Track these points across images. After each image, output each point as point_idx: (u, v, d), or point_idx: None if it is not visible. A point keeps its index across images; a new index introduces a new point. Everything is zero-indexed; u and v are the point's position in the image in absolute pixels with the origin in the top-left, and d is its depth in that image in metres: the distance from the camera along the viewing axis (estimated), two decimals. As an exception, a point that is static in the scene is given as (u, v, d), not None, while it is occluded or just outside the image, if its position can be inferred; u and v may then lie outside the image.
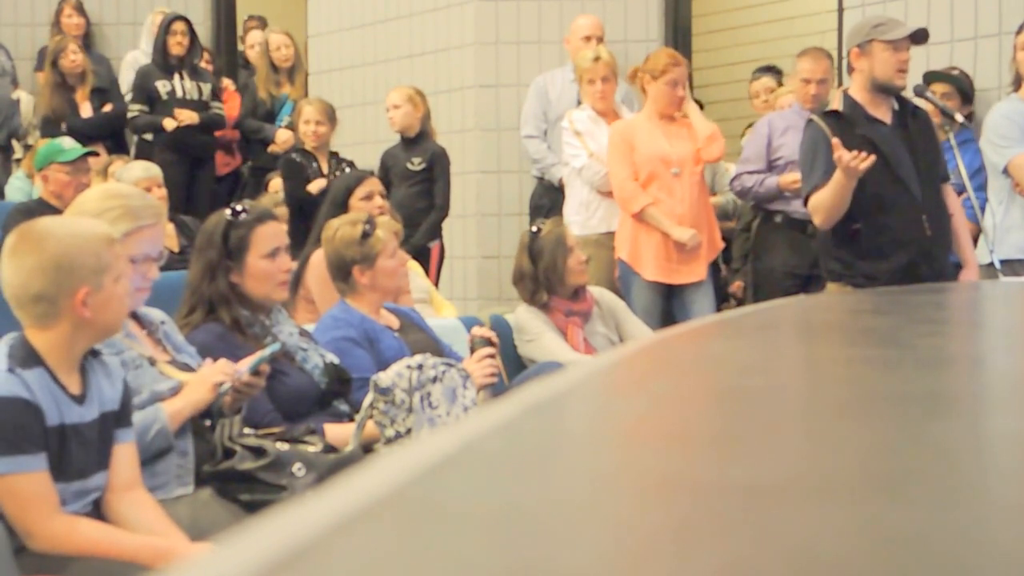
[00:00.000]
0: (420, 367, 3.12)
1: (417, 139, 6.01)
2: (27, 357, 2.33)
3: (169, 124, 6.94)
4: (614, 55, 5.62)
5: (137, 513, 2.45)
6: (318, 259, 4.19)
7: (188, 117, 6.95)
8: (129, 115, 7.21)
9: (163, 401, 2.69)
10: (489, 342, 3.62)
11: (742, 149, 6.04)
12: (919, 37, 4.17)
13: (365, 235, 3.71)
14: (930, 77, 5.12)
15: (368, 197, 4.63)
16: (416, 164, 5.95)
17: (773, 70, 6.85)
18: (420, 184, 5.92)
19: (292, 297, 4.16)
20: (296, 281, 4.24)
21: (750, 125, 6.69)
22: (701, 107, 7.54)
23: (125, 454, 2.49)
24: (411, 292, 4.85)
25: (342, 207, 4.55)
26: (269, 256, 3.21)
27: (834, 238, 4.18)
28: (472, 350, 3.61)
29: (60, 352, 2.37)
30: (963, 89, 5.29)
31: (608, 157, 5.28)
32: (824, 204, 4.09)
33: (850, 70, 4.25)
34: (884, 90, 4.18)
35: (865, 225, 4.10)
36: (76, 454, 2.36)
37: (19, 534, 2.32)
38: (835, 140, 3.98)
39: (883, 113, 4.21)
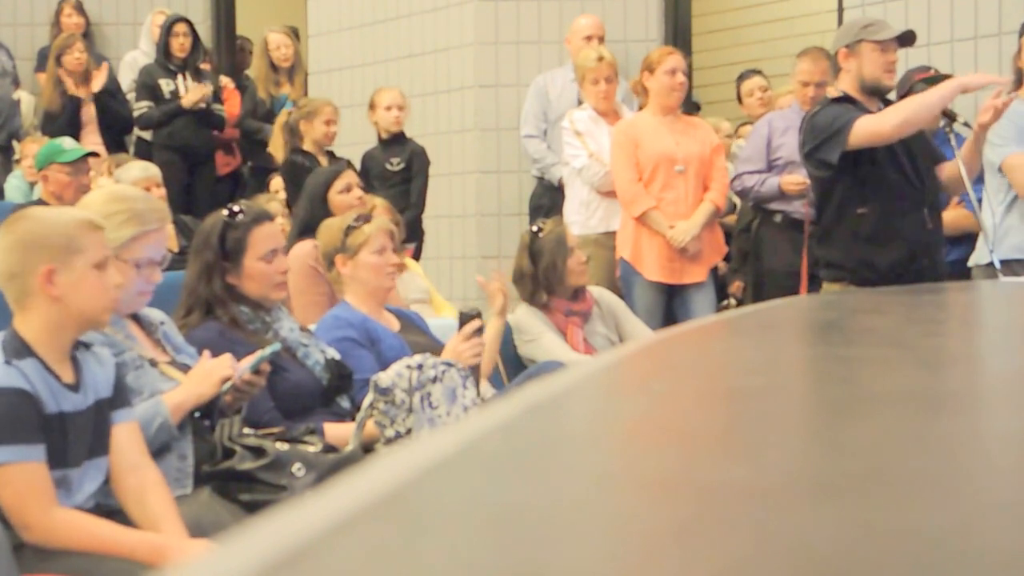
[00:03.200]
0: (420, 367, 3.11)
1: (396, 139, 6.04)
2: (19, 348, 2.36)
3: (187, 100, 6.95)
4: (614, 55, 5.62)
5: (144, 494, 2.45)
6: (297, 251, 4.24)
7: (198, 95, 6.97)
8: (136, 113, 7.21)
9: (164, 394, 2.69)
10: (478, 315, 3.50)
11: (736, 150, 6.04)
12: (907, 39, 4.19)
13: (350, 227, 3.75)
14: (919, 86, 5.15)
15: (346, 190, 4.65)
16: (395, 164, 5.97)
17: (758, 73, 6.83)
18: (400, 185, 5.93)
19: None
20: None
21: (743, 124, 6.69)
22: (699, 108, 7.56)
23: (126, 433, 2.50)
24: (411, 292, 4.88)
25: (322, 202, 4.58)
26: (266, 258, 3.22)
27: (837, 224, 4.18)
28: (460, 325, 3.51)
29: (48, 342, 2.39)
30: (936, 80, 5.31)
31: (612, 157, 5.28)
32: (912, 107, 4.07)
33: (837, 70, 4.25)
34: (873, 90, 4.19)
35: (870, 210, 4.11)
36: (74, 442, 2.38)
37: (16, 526, 2.32)
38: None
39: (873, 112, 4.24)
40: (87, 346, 2.51)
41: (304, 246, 4.31)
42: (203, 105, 7.01)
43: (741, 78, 6.79)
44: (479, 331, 3.49)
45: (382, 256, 3.75)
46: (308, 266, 4.26)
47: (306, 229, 4.41)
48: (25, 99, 7.83)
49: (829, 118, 4.09)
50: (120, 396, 2.52)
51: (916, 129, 4.05)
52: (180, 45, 7.10)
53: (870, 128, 4.02)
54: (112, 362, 2.55)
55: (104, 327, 2.55)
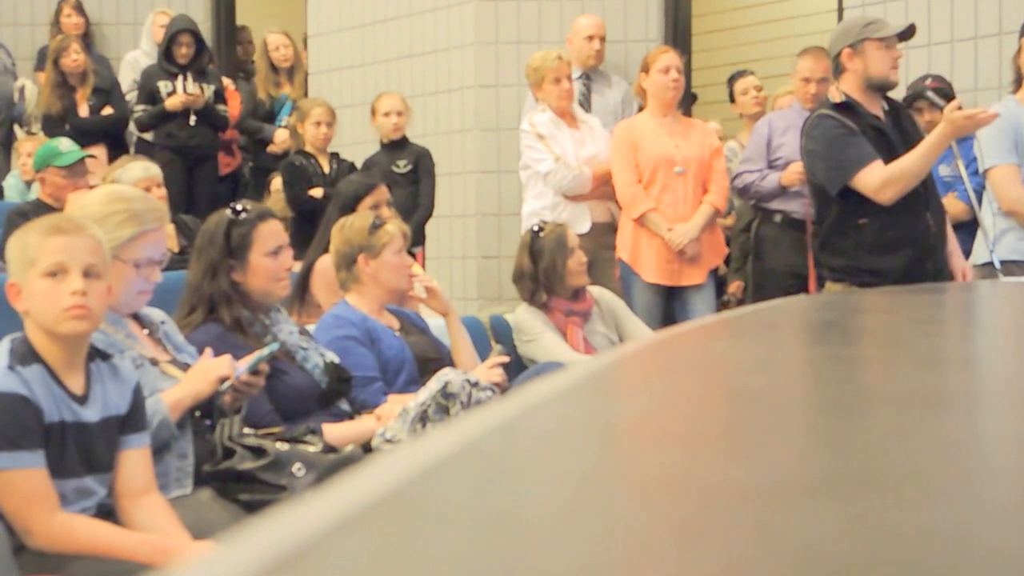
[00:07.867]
0: (476, 384, 3.20)
1: (400, 142, 6.06)
2: (26, 354, 2.35)
3: (172, 102, 6.91)
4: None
5: (149, 517, 2.45)
6: (323, 265, 4.19)
7: (183, 98, 6.92)
8: (134, 116, 7.20)
9: (162, 392, 2.69)
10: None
11: (728, 152, 6.05)
12: (907, 34, 4.21)
13: (375, 226, 3.77)
14: (913, 98, 5.21)
15: (375, 207, 4.57)
16: (402, 167, 5.99)
17: (751, 74, 6.85)
18: (408, 187, 5.95)
19: (300, 303, 4.16)
20: (304, 287, 4.23)
21: (740, 116, 6.70)
22: (695, 98, 7.54)
23: (136, 459, 2.48)
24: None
25: (350, 213, 4.52)
26: (272, 254, 3.23)
27: (839, 233, 4.17)
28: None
29: (55, 351, 2.38)
30: (946, 92, 5.33)
31: (612, 159, 5.29)
32: (908, 171, 4.02)
33: (841, 71, 4.24)
34: (879, 87, 4.20)
35: (872, 219, 4.09)
36: (73, 452, 2.37)
37: (18, 531, 2.32)
38: (957, 103, 4.00)
39: (876, 112, 4.23)
40: (106, 358, 2.49)
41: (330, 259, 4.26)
42: (190, 102, 6.95)
43: (733, 78, 6.81)
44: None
45: (399, 256, 3.79)
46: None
47: None
48: (29, 87, 7.81)
49: (833, 143, 4.08)
50: (135, 418, 2.50)
51: (912, 185, 4.07)
52: (183, 54, 7.08)
53: (871, 186, 4.03)
54: (133, 381, 2.52)
55: (78, 337, 2.42)
